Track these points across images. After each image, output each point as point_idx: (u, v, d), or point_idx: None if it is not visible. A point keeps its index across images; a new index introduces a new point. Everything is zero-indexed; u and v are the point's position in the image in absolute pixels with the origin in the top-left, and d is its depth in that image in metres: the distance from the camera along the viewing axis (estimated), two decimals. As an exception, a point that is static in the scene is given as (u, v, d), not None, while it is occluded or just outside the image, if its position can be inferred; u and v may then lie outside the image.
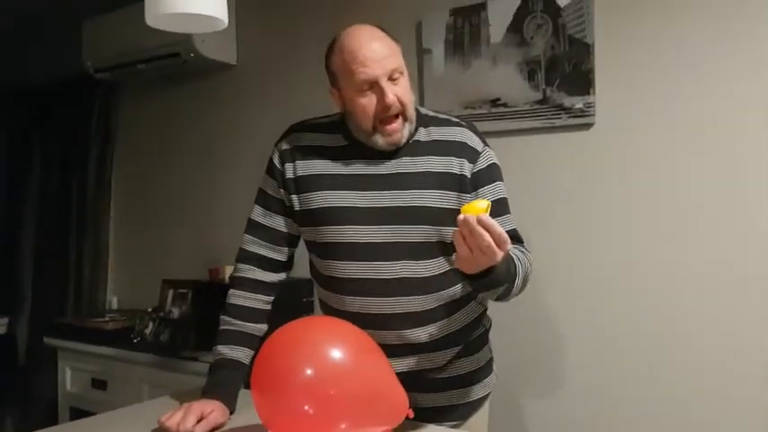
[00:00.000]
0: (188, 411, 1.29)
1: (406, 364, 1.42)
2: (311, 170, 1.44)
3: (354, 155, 1.43)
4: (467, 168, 1.42)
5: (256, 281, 1.49)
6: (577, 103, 2.07)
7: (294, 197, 1.45)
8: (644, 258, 2.00)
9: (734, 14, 1.86)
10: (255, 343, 1.45)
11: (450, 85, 2.30)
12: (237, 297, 1.48)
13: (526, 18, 2.15)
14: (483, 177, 1.43)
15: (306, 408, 1.08)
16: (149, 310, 2.87)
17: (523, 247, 1.45)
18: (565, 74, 2.08)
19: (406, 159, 1.41)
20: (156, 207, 3.33)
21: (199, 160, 3.13)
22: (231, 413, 1.38)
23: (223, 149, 3.03)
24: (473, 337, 1.53)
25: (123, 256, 3.50)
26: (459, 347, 1.49)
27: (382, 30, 1.39)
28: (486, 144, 1.47)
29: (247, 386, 1.22)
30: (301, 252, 1.54)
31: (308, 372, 1.10)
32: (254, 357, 1.31)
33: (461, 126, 1.47)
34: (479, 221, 1.10)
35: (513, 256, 1.32)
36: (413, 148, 1.42)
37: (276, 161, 1.48)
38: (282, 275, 1.54)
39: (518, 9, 2.16)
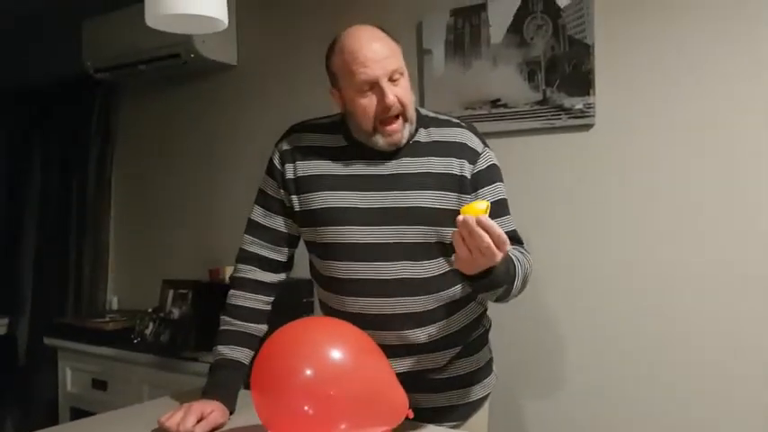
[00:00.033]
0: (188, 411, 1.29)
1: (406, 364, 1.42)
2: (311, 171, 1.44)
3: (355, 155, 1.43)
4: (467, 169, 1.42)
5: (256, 281, 1.49)
6: (577, 103, 2.07)
7: (294, 198, 1.45)
8: (644, 259, 2.00)
9: (734, 15, 1.86)
10: (255, 343, 1.45)
11: (450, 86, 2.30)
12: (237, 297, 1.48)
13: (526, 19, 2.15)
14: (483, 178, 1.43)
15: (305, 408, 1.08)
16: (149, 310, 2.87)
17: (523, 247, 1.45)
18: (565, 74, 2.08)
19: (406, 160, 1.41)
20: (156, 207, 3.33)
21: (199, 161, 3.13)
22: (231, 413, 1.38)
23: (223, 150, 3.03)
24: (473, 338, 1.53)
25: (123, 257, 3.50)
26: (459, 348, 1.49)
27: (383, 30, 1.39)
28: (486, 145, 1.47)
29: (247, 386, 1.22)
30: (301, 252, 1.54)
31: (308, 372, 1.10)
32: (254, 358, 1.31)
33: (461, 127, 1.47)
34: (479, 222, 1.10)
35: (513, 257, 1.32)
36: (413, 148, 1.42)
37: (276, 162, 1.48)
38: (282, 276, 1.54)
39: (518, 10, 2.17)
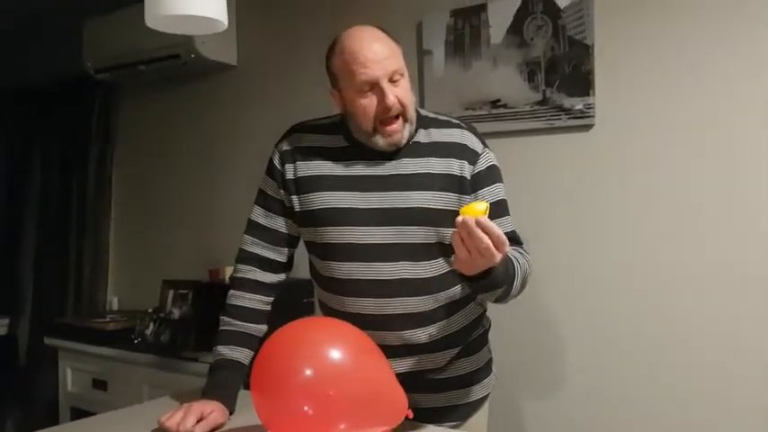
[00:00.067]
0: (188, 412, 1.29)
1: (406, 364, 1.42)
2: (311, 171, 1.44)
3: (355, 156, 1.43)
4: (467, 170, 1.42)
5: (256, 281, 1.49)
6: (577, 104, 2.07)
7: (294, 198, 1.45)
8: (644, 259, 2.00)
9: (733, 16, 1.86)
10: (255, 343, 1.45)
11: (450, 86, 2.30)
12: (237, 298, 1.49)
13: (526, 19, 2.15)
14: (483, 179, 1.43)
15: (305, 408, 1.08)
16: (150, 310, 2.88)
17: (522, 248, 1.45)
18: (565, 75, 2.09)
19: (406, 161, 1.41)
20: (156, 208, 3.33)
21: (199, 161, 3.13)
22: (231, 414, 1.38)
23: (223, 150, 3.03)
24: (473, 338, 1.53)
25: (124, 257, 3.50)
26: (459, 348, 1.49)
27: (383, 31, 1.39)
28: (485, 146, 1.47)
29: (247, 387, 1.22)
30: (301, 253, 1.54)
31: (308, 372, 1.10)
32: (253, 358, 1.31)
33: (461, 128, 1.47)
34: (478, 224, 1.11)
35: (512, 258, 1.32)
36: (413, 149, 1.42)
37: (276, 162, 1.48)
38: (282, 276, 1.54)
39: (518, 10, 2.17)
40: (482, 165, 1.44)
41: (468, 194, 1.41)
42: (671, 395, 1.96)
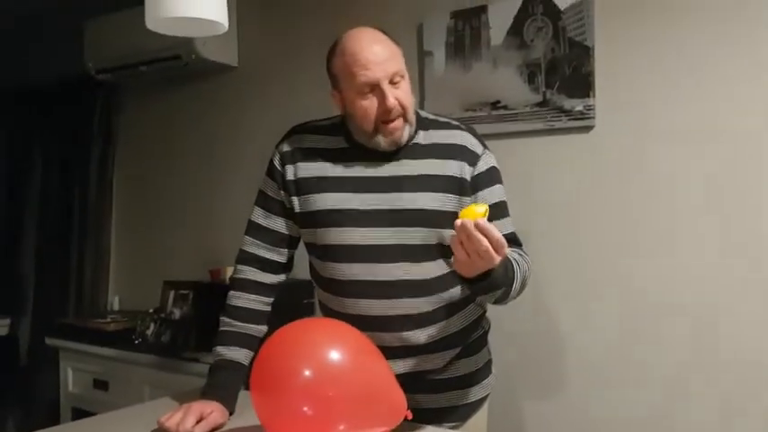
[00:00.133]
0: (188, 412, 1.30)
1: (406, 365, 1.43)
2: (312, 172, 1.45)
3: (355, 157, 1.43)
4: (467, 171, 1.42)
5: (256, 282, 1.50)
6: (577, 105, 2.07)
7: (294, 199, 1.46)
8: (643, 260, 2.00)
9: (734, 17, 1.86)
10: (255, 344, 1.45)
11: (450, 88, 2.31)
12: (237, 298, 1.49)
13: (526, 21, 2.16)
14: (482, 180, 1.43)
15: (305, 409, 1.09)
16: (150, 311, 2.88)
17: (522, 249, 1.46)
18: (565, 76, 2.09)
19: (406, 162, 1.41)
20: (157, 208, 3.34)
21: (200, 162, 3.14)
22: (230, 414, 1.39)
23: (224, 151, 3.03)
24: (472, 339, 1.53)
25: (125, 257, 3.50)
26: (459, 349, 1.49)
27: (384, 32, 1.39)
28: (485, 147, 1.48)
29: (247, 387, 1.23)
30: (301, 254, 1.55)
31: (307, 373, 1.10)
32: (253, 358, 1.31)
33: (461, 129, 1.48)
34: (477, 226, 1.11)
35: (512, 260, 1.32)
36: (413, 150, 1.43)
37: (276, 163, 1.49)
38: (282, 277, 1.54)
39: (518, 12, 2.17)
40: (482, 166, 1.44)
41: (468, 196, 1.41)
42: (671, 395, 1.96)
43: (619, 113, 2.03)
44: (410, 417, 1.17)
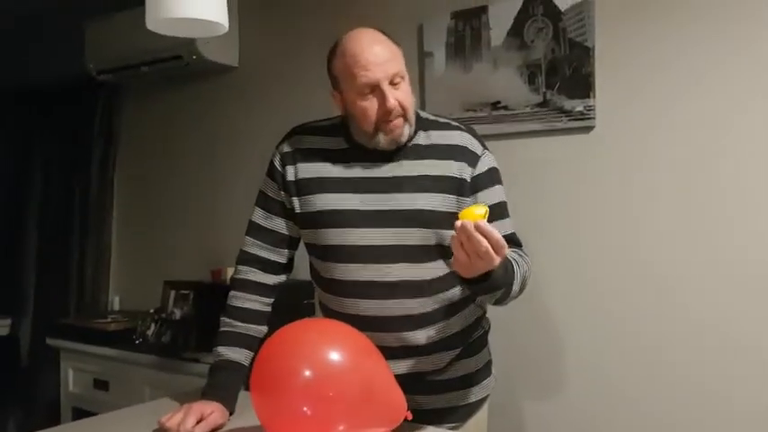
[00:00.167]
0: (188, 412, 1.30)
1: (406, 365, 1.43)
2: (312, 173, 1.45)
3: (355, 158, 1.43)
4: (466, 172, 1.42)
5: (257, 283, 1.50)
6: (578, 106, 2.07)
7: (295, 200, 1.46)
8: (644, 260, 2.00)
9: (734, 17, 1.86)
10: (255, 345, 1.45)
11: (451, 88, 2.31)
12: (238, 299, 1.49)
13: (527, 21, 2.16)
14: (482, 181, 1.43)
15: (305, 409, 1.09)
16: (151, 311, 2.88)
17: (522, 250, 1.46)
18: (565, 77, 2.09)
19: (406, 163, 1.41)
20: (158, 208, 3.34)
21: (201, 162, 3.14)
22: (231, 414, 1.39)
23: (225, 151, 3.04)
24: (472, 340, 1.53)
25: (125, 258, 3.51)
26: (459, 349, 1.49)
27: (384, 33, 1.40)
28: (485, 148, 1.48)
29: (247, 388, 1.23)
30: (302, 254, 1.55)
31: (307, 373, 1.10)
32: (253, 359, 1.32)
33: (461, 130, 1.48)
34: (477, 227, 1.11)
35: (512, 260, 1.32)
36: (413, 151, 1.43)
37: (277, 163, 1.49)
38: (283, 277, 1.54)
39: (519, 12, 2.17)
40: (482, 167, 1.44)
41: (468, 197, 1.41)
42: (671, 394, 1.96)
43: (619, 114, 2.03)
44: (410, 417, 1.17)
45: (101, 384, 2.87)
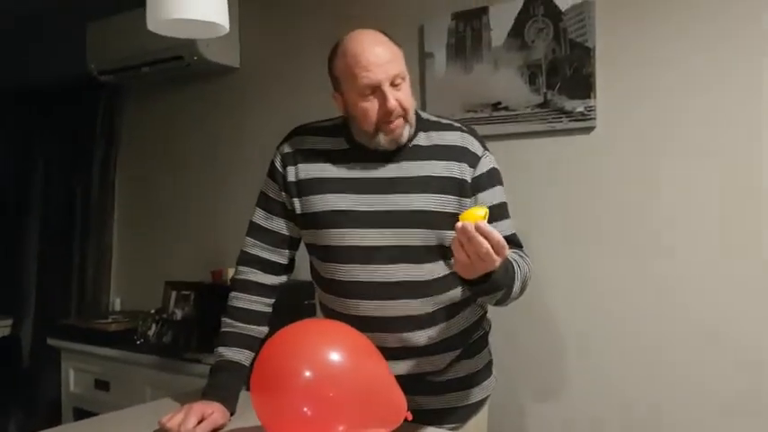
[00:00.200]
0: (189, 412, 1.30)
1: (406, 366, 1.43)
2: (313, 173, 1.45)
3: (356, 158, 1.43)
4: (467, 173, 1.42)
5: (258, 283, 1.50)
6: (578, 106, 2.07)
7: (296, 200, 1.46)
8: (644, 260, 2.00)
9: (735, 18, 1.86)
10: (256, 345, 1.45)
11: (451, 89, 2.31)
12: (239, 299, 1.49)
13: (527, 22, 2.16)
14: (483, 182, 1.43)
15: (305, 410, 1.09)
16: (152, 311, 2.89)
17: (522, 251, 1.46)
18: (566, 77, 2.09)
19: (406, 163, 1.42)
20: (159, 209, 3.34)
21: (202, 162, 3.14)
22: (231, 415, 1.39)
23: (226, 152, 3.04)
24: (473, 340, 1.53)
25: (126, 258, 3.51)
26: (459, 350, 1.49)
27: (385, 34, 1.40)
28: (486, 149, 1.48)
29: (248, 388, 1.23)
30: (302, 255, 1.55)
31: (308, 374, 1.10)
32: (254, 359, 1.32)
33: (462, 131, 1.48)
34: (477, 229, 1.11)
35: (512, 261, 1.32)
36: (414, 152, 1.43)
37: (278, 164, 1.49)
38: (283, 278, 1.55)
39: (519, 13, 2.17)
40: (482, 168, 1.44)
41: (469, 197, 1.41)
42: (671, 395, 1.96)
43: (620, 114, 2.03)
44: (410, 418, 1.17)
45: (102, 385, 2.87)
